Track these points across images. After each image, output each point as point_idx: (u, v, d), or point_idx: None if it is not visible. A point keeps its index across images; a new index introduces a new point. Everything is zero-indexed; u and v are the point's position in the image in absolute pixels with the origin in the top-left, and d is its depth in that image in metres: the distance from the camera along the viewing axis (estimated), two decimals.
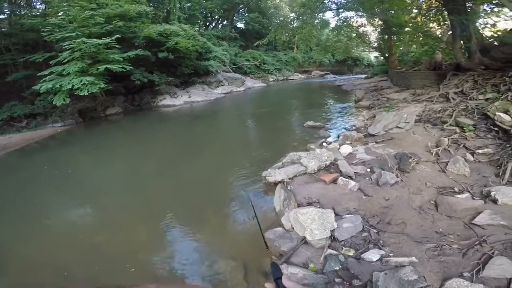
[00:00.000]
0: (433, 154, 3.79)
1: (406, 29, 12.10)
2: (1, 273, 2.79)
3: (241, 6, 24.62)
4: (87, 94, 8.64)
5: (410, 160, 3.52)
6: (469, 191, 2.95)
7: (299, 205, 3.07)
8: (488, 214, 2.51)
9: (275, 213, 3.28)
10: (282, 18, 23.52)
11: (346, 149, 4.24)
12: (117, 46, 9.60)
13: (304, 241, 2.62)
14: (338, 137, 5.42)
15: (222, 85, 16.77)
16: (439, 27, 10.90)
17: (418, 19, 11.97)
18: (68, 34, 8.83)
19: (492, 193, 2.72)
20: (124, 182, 4.86)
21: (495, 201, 2.67)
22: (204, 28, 22.90)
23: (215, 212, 3.59)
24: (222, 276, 2.54)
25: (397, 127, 5.02)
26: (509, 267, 1.96)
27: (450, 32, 8.63)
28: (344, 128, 6.25)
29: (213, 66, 15.78)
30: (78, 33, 8.97)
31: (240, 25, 26.00)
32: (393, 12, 11.23)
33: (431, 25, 10.96)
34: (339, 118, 7.67)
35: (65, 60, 8.77)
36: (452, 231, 2.47)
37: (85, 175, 5.37)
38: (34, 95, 9.20)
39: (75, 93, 8.54)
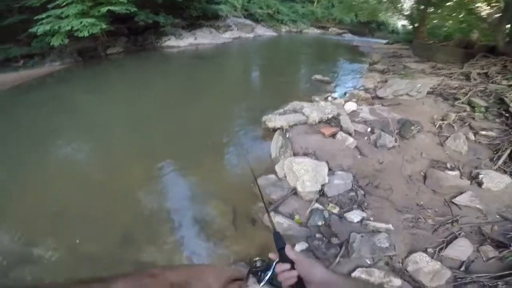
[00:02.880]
0: (436, 127, 3.77)
1: (449, 3, 10.98)
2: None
3: None
4: (87, 35, 8.19)
5: (413, 128, 3.52)
6: (459, 170, 3.01)
7: (295, 154, 3.12)
8: (469, 195, 2.61)
9: (271, 160, 3.37)
10: None
11: (350, 106, 4.20)
12: None
13: (295, 191, 2.71)
14: (345, 94, 5.35)
15: (230, 30, 15.81)
16: (488, 7, 9.90)
17: None
18: None
19: (480, 176, 2.78)
20: (123, 121, 4.86)
21: (480, 184, 2.75)
22: None
23: (211, 155, 3.64)
24: (210, 218, 2.61)
25: (407, 94, 4.90)
26: (467, 249, 2.11)
27: (499, 14, 7.89)
28: (352, 87, 6.15)
29: (223, 10, 14.77)
30: None
31: None
32: None
33: (479, 4, 9.95)
34: (349, 77, 7.47)
35: (64, 4, 8.12)
36: (431, 205, 2.59)
37: (83, 111, 5.37)
38: (30, 38, 8.78)
39: (75, 34, 8.11)
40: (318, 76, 6.64)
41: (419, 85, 5.13)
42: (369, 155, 3.14)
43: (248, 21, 17.75)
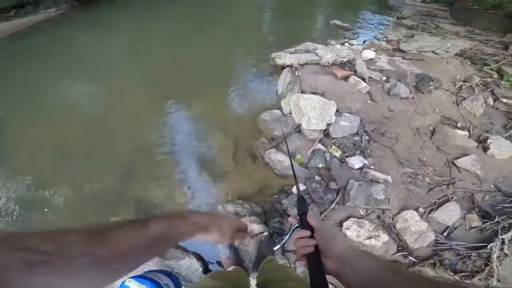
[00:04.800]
0: (456, 87, 3.55)
1: None
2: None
3: None
4: None
5: (431, 83, 3.30)
6: (469, 131, 2.91)
7: (302, 92, 2.99)
8: (472, 159, 2.52)
9: (277, 96, 3.27)
10: None
11: (368, 53, 3.91)
12: None
13: (298, 129, 2.63)
14: (364, 42, 4.96)
15: None
16: None
17: None
18: None
19: (489, 141, 2.68)
20: (127, 57, 4.53)
21: (486, 148, 2.65)
22: None
23: (217, 89, 3.49)
24: (211, 152, 2.61)
25: (433, 52, 4.52)
26: (455, 215, 2.09)
27: None
28: (373, 37, 5.66)
29: None
30: None
31: None
32: None
33: None
34: (371, 26, 6.83)
35: None
36: (433, 163, 2.52)
37: (84, 50, 4.89)
38: None
39: None
40: (337, 21, 6.08)
41: (449, 44, 4.72)
42: (380, 102, 3.00)
43: None
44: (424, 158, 2.55)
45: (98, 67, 4.29)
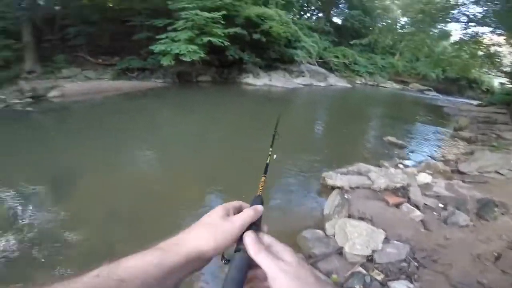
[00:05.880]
0: None
1: None
2: (64, 196, 3.66)
3: (342, 1, 24.34)
4: (189, 60, 10.37)
5: (496, 209, 3.32)
6: None
7: (350, 216, 3.19)
8: None
9: (322, 216, 3.41)
10: (389, 21, 21.73)
11: (424, 178, 4.08)
12: (222, 22, 10.97)
13: (340, 251, 2.72)
14: (419, 163, 5.17)
15: (303, 76, 16.98)
16: None
17: None
18: (186, 5, 10.56)
19: None
20: (192, 141, 5.94)
21: None
22: (298, 17, 23.22)
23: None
24: None
25: (496, 172, 4.56)
26: None
27: None
28: (429, 156, 5.85)
29: (298, 55, 16.21)
30: (194, 5, 10.62)
31: (337, 20, 25.65)
32: None
33: None
34: (426, 143, 7.14)
35: (180, 28, 10.58)
36: (496, 286, 2.37)
37: (164, 124, 6.87)
38: (148, 53, 11.43)
39: (179, 58, 10.34)
40: (391, 138, 6.37)
41: None
42: (434, 230, 3.01)
43: (321, 69, 18.70)
44: (484, 281, 2.35)
45: (169, 141, 5.55)
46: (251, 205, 0.52)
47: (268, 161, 0.69)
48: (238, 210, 0.51)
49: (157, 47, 10.44)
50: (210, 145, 5.69)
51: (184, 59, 10.28)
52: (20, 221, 3.09)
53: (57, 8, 11.91)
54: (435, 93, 21.53)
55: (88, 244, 2.85)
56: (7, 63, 9.08)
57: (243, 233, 0.46)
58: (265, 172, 0.64)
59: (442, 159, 5.46)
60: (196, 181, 4.24)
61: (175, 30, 10.71)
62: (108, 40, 12.48)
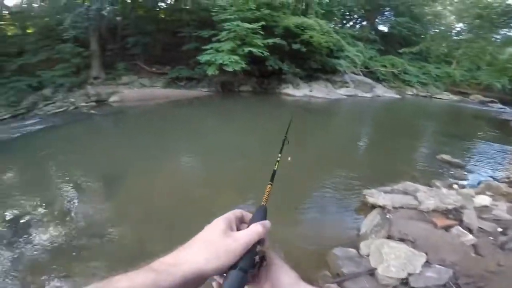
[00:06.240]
0: None
1: None
2: (111, 198, 3.92)
3: (387, 8, 22.99)
4: (231, 70, 10.82)
5: None
6: None
7: (389, 237, 3.01)
8: None
9: (357, 234, 3.29)
10: (443, 28, 20.01)
11: (482, 200, 3.69)
12: (261, 33, 11.33)
13: (372, 272, 2.59)
14: (478, 183, 4.65)
15: (346, 87, 16.24)
16: None
17: None
18: (228, 16, 11.15)
19: None
20: (232, 149, 6.13)
21: None
22: (340, 26, 22.66)
23: (297, 211, 3.77)
24: None
25: None
26: None
27: None
28: (491, 177, 5.19)
29: (342, 65, 15.65)
30: (236, 16, 11.15)
31: (383, 27, 24.43)
32: None
33: None
34: (489, 162, 6.29)
35: (224, 39, 11.15)
36: None
37: (207, 133, 7.21)
38: (195, 63, 12.22)
39: (223, 68, 10.85)
40: (446, 156, 5.82)
41: None
42: (486, 256, 2.74)
43: (367, 79, 17.73)
44: None
45: (210, 149, 5.83)
46: (255, 215, 0.49)
47: (276, 167, 0.64)
48: (241, 221, 0.49)
49: (203, 57, 11.12)
50: (247, 154, 5.84)
51: (227, 69, 10.77)
52: (72, 214, 3.51)
53: (118, 18, 13.31)
54: (500, 105, 18.91)
55: (122, 241, 3.08)
56: (78, 69, 10.42)
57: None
58: (272, 180, 0.59)
59: (506, 180, 4.82)
60: (232, 189, 4.37)
61: (219, 41, 11.33)
62: (161, 50, 13.60)
